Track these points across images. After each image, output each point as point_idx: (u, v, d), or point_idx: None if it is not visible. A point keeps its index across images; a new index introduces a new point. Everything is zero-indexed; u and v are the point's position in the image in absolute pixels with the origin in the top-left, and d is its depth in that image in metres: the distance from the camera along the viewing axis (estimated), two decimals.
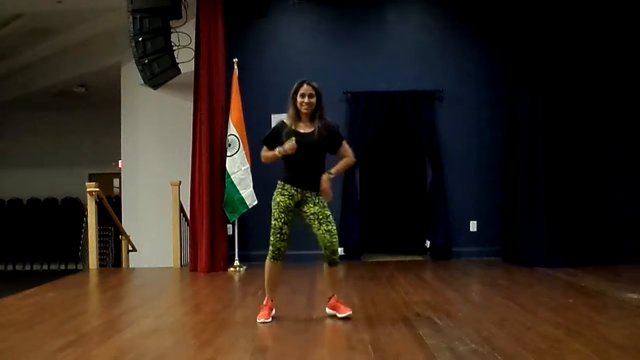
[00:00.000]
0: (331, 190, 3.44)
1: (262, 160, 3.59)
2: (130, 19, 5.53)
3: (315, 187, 3.44)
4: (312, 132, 3.44)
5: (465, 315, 3.63)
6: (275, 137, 3.50)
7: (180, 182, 6.21)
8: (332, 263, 3.46)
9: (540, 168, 5.79)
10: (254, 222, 6.31)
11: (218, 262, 5.86)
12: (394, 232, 7.80)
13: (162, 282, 5.69)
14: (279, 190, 3.48)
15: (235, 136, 5.83)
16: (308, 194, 3.45)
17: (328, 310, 3.58)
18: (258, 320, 3.45)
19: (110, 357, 2.81)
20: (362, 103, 6.44)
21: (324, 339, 3.14)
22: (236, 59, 5.97)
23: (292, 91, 3.47)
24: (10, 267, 11.44)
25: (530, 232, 5.79)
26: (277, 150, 3.41)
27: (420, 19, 6.81)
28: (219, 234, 5.90)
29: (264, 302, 3.57)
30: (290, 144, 3.33)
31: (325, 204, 3.48)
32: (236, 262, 6.01)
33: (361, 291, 4.53)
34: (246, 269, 5.94)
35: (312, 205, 3.44)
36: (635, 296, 4.08)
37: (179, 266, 6.20)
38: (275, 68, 6.60)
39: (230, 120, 5.89)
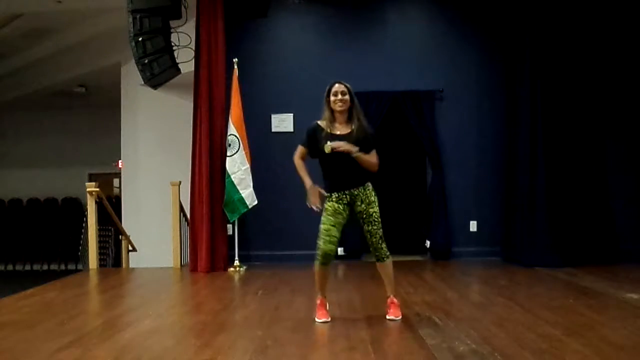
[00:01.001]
0: (346, 147, 3.31)
1: (295, 164, 3.52)
2: (130, 19, 5.53)
3: (360, 182, 3.42)
4: (349, 134, 3.39)
5: (465, 315, 3.63)
6: (312, 140, 3.44)
7: (180, 182, 6.21)
8: (378, 259, 3.49)
9: (541, 168, 5.79)
10: (254, 222, 6.32)
11: (218, 262, 5.86)
12: (394, 232, 7.78)
13: (162, 282, 5.69)
14: (327, 201, 3.44)
15: (235, 136, 5.83)
16: (356, 191, 3.41)
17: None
18: (318, 320, 3.43)
19: (110, 357, 2.81)
20: (362, 103, 6.33)
21: (324, 339, 3.14)
22: (236, 59, 5.97)
23: (325, 94, 3.45)
24: (10, 267, 11.44)
25: (530, 232, 5.80)
26: (307, 189, 3.37)
27: (421, 19, 6.81)
28: (219, 234, 5.90)
29: (318, 302, 3.53)
30: (314, 202, 3.33)
31: (373, 200, 3.43)
32: (236, 262, 6.01)
33: (361, 291, 4.54)
34: (246, 269, 5.95)
35: (359, 204, 3.42)
36: (635, 296, 4.09)
37: (179, 266, 6.20)
38: (275, 68, 6.60)
39: (230, 120, 5.89)
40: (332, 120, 3.44)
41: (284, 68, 6.57)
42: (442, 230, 6.44)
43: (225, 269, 5.88)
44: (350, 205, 3.43)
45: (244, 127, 5.89)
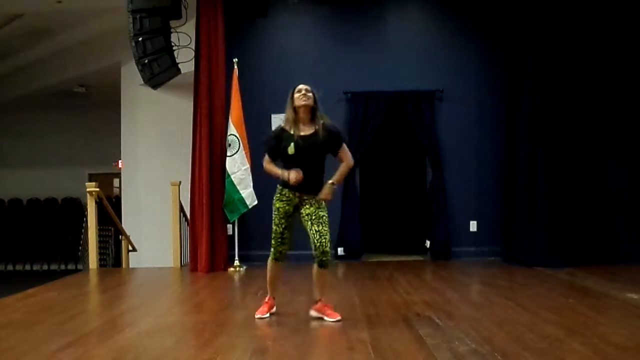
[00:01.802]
0: (332, 197, 3.47)
1: (265, 170, 3.56)
2: (130, 19, 5.53)
3: (314, 191, 3.43)
4: (313, 134, 3.42)
5: (465, 315, 3.63)
6: (277, 145, 3.46)
7: (180, 182, 6.21)
8: (321, 264, 3.43)
9: (540, 168, 5.79)
10: (254, 222, 6.31)
11: (218, 262, 5.86)
12: (394, 232, 7.80)
13: (162, 282, 5.69)
14: (278, 195, 3.50)
15: (235, 136, 5.83)
16: (305, 197, 3.45)
17: (312, 313, 3.57)
18: (256, 316, 3.57)
19: (110, 357, 2.81)
20: (362, 103, 6.43)
21: (324, 339, 3.14)
22: (236, 59, 5.97)
23: (289, 96, 3.47)
24: (10, 267, 11.44)
25: (530, 232, 5.79)
26: (282, 174, 3.39)
27: (421, 19, 6.81)
28: (219, 234, 5.90)
29: (265, 299, 3.68)
30: (296, 175, 3.32)
31: (323, 205, 3.47)
32: (236, 262, 6.01)
33: (361, 291, 4.53)
34: (246, 269, 5.94)
35: (308, 207, 3.45)
36: (635, 296, 4.09)
37: (179, 266, 6.20)
38: (275, 68, 6.60)
39: (230, 120, 5.89)
40: (296, 120, 3.44)
41: (284, 68, 6.57)
42: (442, 230, 6.44)
43: (225, 269, 5.88)
44: (297, 207, 3.48)
45: (244, 127, 5.89)
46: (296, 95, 3.43)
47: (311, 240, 3.43)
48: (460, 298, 4.31)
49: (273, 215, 3.52)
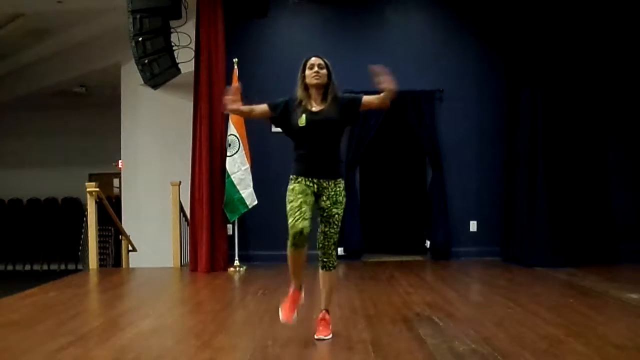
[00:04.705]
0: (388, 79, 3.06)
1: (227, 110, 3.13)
2: (130, 19, 5.53)
3: (333, 174, 3.03)
4: (323, 110, 3.02)
5: (465, 315, 3.63)
6: (285, 109, 3.05)
7: (180, 182, 6.21)
8: (323, 267, 3.11)
9: (541, 168, 5.79)
10: (254, 222, 6.32)
11: (218, 262, 5.86)
12: (394, 232, 7.81)
13: (162, 282, 5.69)
14: (293, 183, 3.02)
15: (235, 136, 5.84)
16: (325, 183, 3.01)
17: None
18: (281, 319, 3.05)
19: (110, 357, 2.81)
20: None
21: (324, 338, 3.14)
22: (236, 59, 5.97)
23: (300, 69, 3.09)
24: (10, 267, 11.44)
25: (530, 232, 5.79)
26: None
27: (421, 19, 6.81)
28: (219, 234, 5.90)
29: (290, 292, 3.14)
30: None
31: (341, 200, 3.04)
32: (236, 262, 6.01)
33: (361, 291, 4.53)
34: (246, 269, 5.95)
35: (325, 199, 3.01)
36: (635, 296, 4.09)
37: (179, 266, 6.20)
38: (275, 68, 6.59)
39: (230, 120, 5.90)
40: (307, 97, 3.05)
41: (284, 68, 6.54)
42: (442, 230, 6.44)
43: (225, 269, 5.88)
44: (316, 196, 3.03)
45: (244, 127, 5.89)
46: (307, 72, 3.05)
47: (317, 239, 3.07)
48: (460, 298, 4.31)
49: (287, 201, 2.98)
